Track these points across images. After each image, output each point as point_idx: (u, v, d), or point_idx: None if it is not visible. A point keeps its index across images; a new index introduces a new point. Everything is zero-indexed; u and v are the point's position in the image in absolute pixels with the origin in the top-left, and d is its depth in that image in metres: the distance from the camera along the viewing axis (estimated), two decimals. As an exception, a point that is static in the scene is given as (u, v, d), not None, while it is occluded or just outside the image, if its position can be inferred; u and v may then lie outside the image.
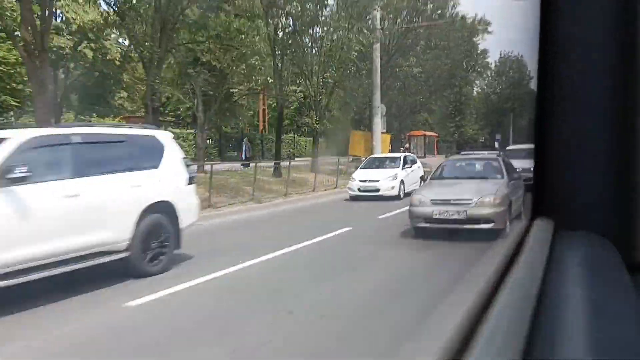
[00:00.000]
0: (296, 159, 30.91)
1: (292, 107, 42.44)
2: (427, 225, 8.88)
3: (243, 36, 19.27)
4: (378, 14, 25.85)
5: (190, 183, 7.49)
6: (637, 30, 1.06)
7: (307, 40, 23.89)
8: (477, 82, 66.29)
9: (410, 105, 46.06)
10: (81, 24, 20.46)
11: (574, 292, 0.80)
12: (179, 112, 37.71)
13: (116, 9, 17.88)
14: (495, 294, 0.84)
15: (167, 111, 35.53)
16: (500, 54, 66.84)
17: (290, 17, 22.79)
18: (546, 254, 0.96)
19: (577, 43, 1.10)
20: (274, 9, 21.20)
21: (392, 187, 16.47)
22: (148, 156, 6.98)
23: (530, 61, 1.25)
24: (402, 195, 16.29)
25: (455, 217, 8.64)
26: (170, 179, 7.14)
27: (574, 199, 1.13)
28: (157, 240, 6.74)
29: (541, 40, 1.14)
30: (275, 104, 31.83)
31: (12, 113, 26.43)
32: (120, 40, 25.44)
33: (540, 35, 1.14)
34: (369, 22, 25.16)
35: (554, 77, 1.13)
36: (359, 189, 16.45)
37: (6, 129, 6.59)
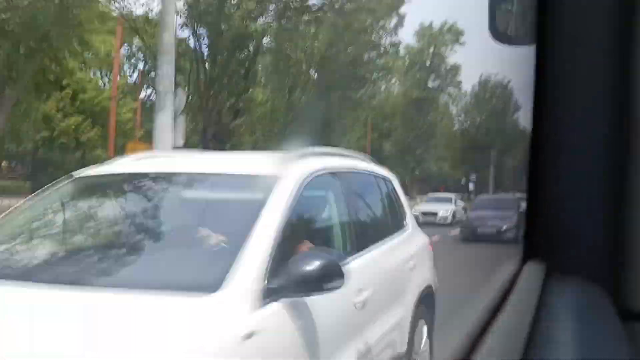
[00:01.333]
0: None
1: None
2: None
3: None
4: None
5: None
6: (633, 78, 1.06)
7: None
8: (451, 107, 55.53)
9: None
10: None
11: (564, 339, 0.77)
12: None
13: None
14: (482, 338, 0.81)
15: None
16: (480, 77, 55.05)
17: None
18: (536, 299, 0.93)
19: (573, 88, 1.10)
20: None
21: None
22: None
23: (525, 101, 1.25)
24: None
25: None
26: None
27: (566, 244, 1.11)
28: None
29: (536, 81, 1.14)
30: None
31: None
32: None
33: (535, 77, 1.14)
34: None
35: (548, 119, 1.12)
36: None
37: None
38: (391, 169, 5.45)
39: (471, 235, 17.39)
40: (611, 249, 1.07)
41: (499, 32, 1.49)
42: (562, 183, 1.11)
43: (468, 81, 79.77)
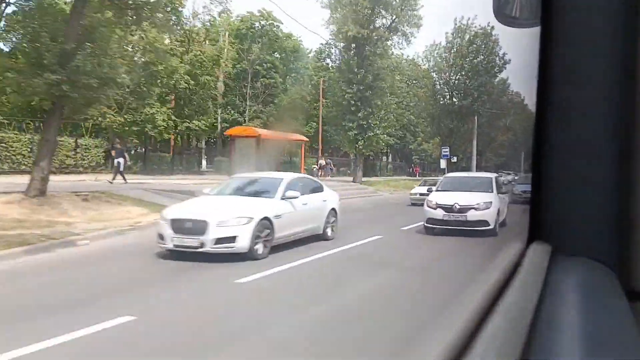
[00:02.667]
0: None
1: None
2: None
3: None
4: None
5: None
6: (638, 57, 1.06)
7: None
8: (404, 52, 42.07)
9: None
10: None
11: (570, 319, 0.78)
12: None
13: None
14: (487, 318, 0.82)
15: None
16: (455, 22, 43.37)
17: None
18: (542, 279, 0.94)
19: (579, 67, 1.10)
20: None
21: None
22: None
23: (529, 80, 1.25)
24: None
25: None
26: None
27: (572, 224, 1.11)
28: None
29: (541, 64, 1.14)
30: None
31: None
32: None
33: (540, 60, 1.14)
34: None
35: (554, 100, 1.12)
36: None
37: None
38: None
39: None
40: (617, 229, 1.07)
41: (503, 14, 1.48)
42: (568, 164, 1.11)
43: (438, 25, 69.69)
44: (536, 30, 1.18)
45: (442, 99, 44.97)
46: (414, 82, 52.23)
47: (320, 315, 5.93)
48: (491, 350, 0.70)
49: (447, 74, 44.45)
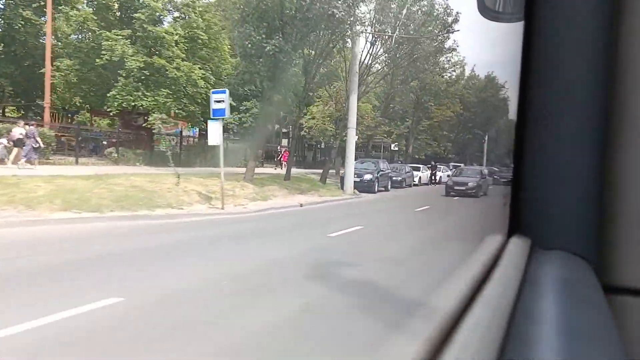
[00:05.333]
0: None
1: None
2: None
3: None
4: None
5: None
6: (619, 54, 1.07)
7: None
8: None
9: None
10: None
11: (547, 311, 0.79)
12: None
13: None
14: (467, 310, 0.83)
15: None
16: (472, 70, 60.33)
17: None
18: (521, 272, 0.95)
19: (561, 62, 1.10)
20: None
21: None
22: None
23: (513, 77, 1.25)
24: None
25: None
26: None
27: (551, 218, 1.12)
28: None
29: (523, 59, 1.14)
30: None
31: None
32: None
33: (523, 55, 1.14)
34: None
35: (535, 94, 1.13)
36: None
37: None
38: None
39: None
40: (595, 224, 1.09)
41: (487, 8, 1.48)
42: (548, 158, 1.12)
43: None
44: (520, 25, 1.18)
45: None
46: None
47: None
48: (471, 341, 0.70)
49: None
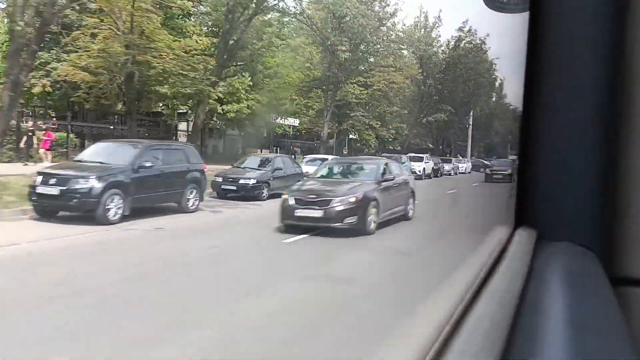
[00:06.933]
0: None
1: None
2: None
3: None
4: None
5: None
6: (626, 45, 1.06)
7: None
8: None
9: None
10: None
11: (554, 303, 0.79)
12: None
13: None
14: (474, 301, 0.83)
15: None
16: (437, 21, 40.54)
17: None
18: (527, 264, 0.95)
19: (567, 53, 1.10)
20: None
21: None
22: None
23: (518, 70, 1.25)
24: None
25: None
26: None
27: (557, 210, 1.12)
28: None
29: (529, 50, 1.14)
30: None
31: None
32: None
33: (528, 46, 1.14)
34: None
35: (541, 86, 1.13)
36: None
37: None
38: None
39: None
40: (602, 216, 1.09)
41: (492, -1, 1.48)
42: (555, 150, 1.12)
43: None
44: (525, 16, 1.18)
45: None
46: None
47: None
48: (478, 334, 0.71)
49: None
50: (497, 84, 54.90)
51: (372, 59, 38.51)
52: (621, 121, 1.06)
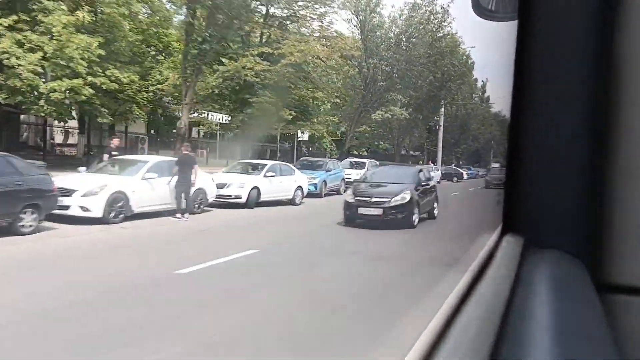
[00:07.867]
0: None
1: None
2: None
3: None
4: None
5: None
6: (615, 55, 1.07)
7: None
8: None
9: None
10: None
11: (540, 311, 0.79)
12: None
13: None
14: (461, 307, 0.83)
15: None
16: None
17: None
18: (514, 272, 0.95)
19: (555, 60, 1.11)
20: None
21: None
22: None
23: (506, 77, 1.26)
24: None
25: None
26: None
27: (545, 217, 1.13)
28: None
29: (517, 57, 1.15)
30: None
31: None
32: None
33: (517, 53, 1.15)
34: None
35: (529, 94, 1.13)
36: None
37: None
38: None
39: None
40: (589, 222, 1.09)
41: (481, 7, 1.49)
42: (541, 156, 1.13)
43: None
44: (514, 25, 1.18)
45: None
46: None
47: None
48: (464, 340, 0.71)
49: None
50: (479, 84, 51.40)
51: (289, 24, 28.30)
52: (609, 128, 1.07)
